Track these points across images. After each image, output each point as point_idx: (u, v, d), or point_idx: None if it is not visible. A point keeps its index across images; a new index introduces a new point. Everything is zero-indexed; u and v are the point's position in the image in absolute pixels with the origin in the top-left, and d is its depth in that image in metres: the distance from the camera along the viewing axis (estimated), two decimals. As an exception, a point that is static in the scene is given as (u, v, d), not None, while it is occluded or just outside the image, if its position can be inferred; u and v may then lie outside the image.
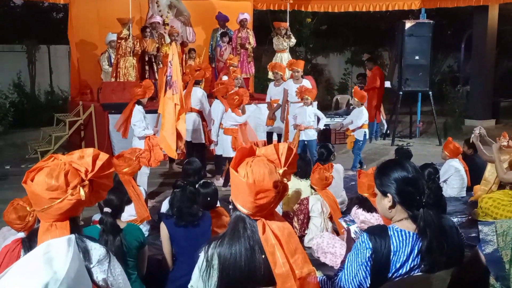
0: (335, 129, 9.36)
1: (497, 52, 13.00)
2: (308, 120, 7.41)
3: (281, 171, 1.96)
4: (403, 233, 2.10)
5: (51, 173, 1.79)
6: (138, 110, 6.19)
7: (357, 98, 7.98)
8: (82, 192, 1.80)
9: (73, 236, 1.25)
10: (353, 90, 8.38)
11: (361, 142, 7.84)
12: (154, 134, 6.28)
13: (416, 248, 2.08)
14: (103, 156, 1.90)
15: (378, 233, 2.12)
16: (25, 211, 3.47)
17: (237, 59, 9.06)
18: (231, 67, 8.71)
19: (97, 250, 1.80)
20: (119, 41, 8.88)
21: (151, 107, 7.40)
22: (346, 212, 5.16)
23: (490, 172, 5.71)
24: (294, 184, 5.31)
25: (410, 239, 2.09)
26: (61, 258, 1.15)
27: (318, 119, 7.84)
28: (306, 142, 7.41)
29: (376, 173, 2.27)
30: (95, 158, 1.87)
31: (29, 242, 1.93)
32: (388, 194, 2.16)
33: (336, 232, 4.87)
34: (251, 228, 1.98)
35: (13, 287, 1.08)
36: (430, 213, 2.10)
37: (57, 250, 1.17)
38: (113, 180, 2.03)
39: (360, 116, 7.84)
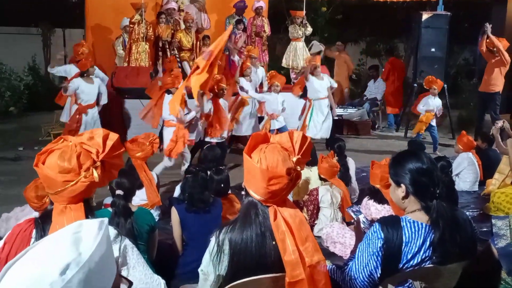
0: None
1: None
2: (279, 107, 7.63)
3: (294, 159, 1.95)
4: (415, 224, 2.09)
5: (63, 155, 1.79)
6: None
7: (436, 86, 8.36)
8: (95, 174, 1.81)
9: (106, 219, 1.25)
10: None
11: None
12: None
13: (428, 239, 2.06)
14: (113, 136, 1.89)
15: (390, 223, 2.11)
16: (45, 191, 3.51)
17: (257, 51, 8.83)
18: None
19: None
20: (131, 26, 8.88)
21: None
22: (357, 204, 5.14)
23: (505, 164, 5.68)
24: (304, 173, 5.30)
25: (423, 231, 2.07)
26: (89, 240, 1.15)
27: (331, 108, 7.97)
28: (277, 131, 7.44)
29: (390, 163, 2.26)
30: (105, 139, 1.87)
31: (42, 223, 1.94)
32: (402, 185, 2.14)
33: (346, 222, 4.86)
34: (262, 214, 1.98)
35: (37, 262, 1.09)
36: (443, 204, 2.08)
37: (87, 231, 1.18)
38: (125, 164, 2.04)
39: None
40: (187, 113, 6.25)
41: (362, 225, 2.82)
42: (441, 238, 2.04)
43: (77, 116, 7.01)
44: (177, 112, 5.86)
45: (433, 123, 8.40)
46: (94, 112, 7.19)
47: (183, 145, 6.07)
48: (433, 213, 2.07)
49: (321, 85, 8.07)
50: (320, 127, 7.99)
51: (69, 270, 1.07)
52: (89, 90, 7.05)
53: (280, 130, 7.40)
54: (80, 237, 1.15)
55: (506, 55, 8.37)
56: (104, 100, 7.51)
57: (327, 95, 8.13)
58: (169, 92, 6.27)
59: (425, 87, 8.51)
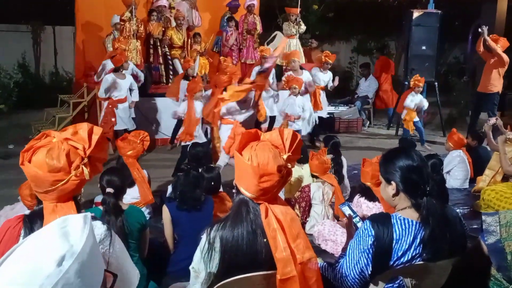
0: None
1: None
2: (298, 110, 7.56)
3: (285, 156, 1.95)
4: (406, 221, 2.10)
5: (50, 153, 1.74)
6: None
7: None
8: (86, 172, 1.78)
9: (88, 213, 1.24)
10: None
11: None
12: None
13: (419, 236, 2.07)
14: (97, 130, 1.85)
15: (381, 220, 2.11)
16: None
17: (269, 50, 8.67)
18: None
19: (98, 229, 1.79)
20: (122, 23, 8.83)
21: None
22: (348, 201, 5.16)
23: (496, 161, 5.72)
24: (296, 171, 5.30)
25: (413, 228, 2.08)
26: (77, 233, 1.14)
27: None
28: None
29: (381, 160, 2.26)
30: (90, 133, 1.83)
31: (30, 222, 1.91)
32: (392, 182, 2.15)
33: (336, 219, 4.88)
34: (254, 211, 1.98)
35: (29, 258, 1.07)
36: (433, 202, 2.09)
37: (73, 225, 1.17)
38: (116, 162, 2.02)
39: None
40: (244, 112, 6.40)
41: (351, 214, 2.81)
42: (431, 235, 2.05)
43: (111, 111, 7.26)
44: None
45: (417, 118, 8.54)
46: (125, 107, 7.43)
47: None
48: (423, 210, 2.08)
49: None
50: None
51: (65, 261, 1.06)
52: (120, 85, 7.28)
53: None
54: (68, 231, 1.14)
55: (504, 55, 8.40)
56: (135, 96, 7.72)
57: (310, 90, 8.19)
58: (226, 89, 6.34)
59: (411, 86, 8.52)
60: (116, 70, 7.36)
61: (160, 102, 8.56)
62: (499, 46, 8.34)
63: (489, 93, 8.69)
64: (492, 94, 8.71)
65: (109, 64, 7.74)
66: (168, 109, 8.09)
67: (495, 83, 8.65)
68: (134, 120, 7.81)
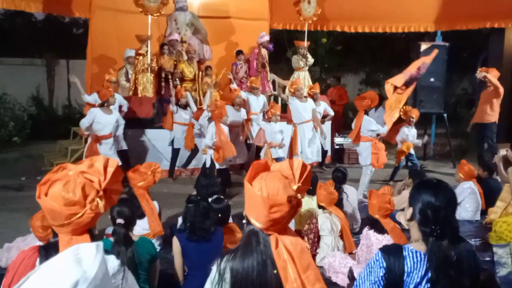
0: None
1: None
2: (279, 137, 7.83)
3: (295, 187, 1.97)
4: (418, 254, 2.08)
5: (66, 187, 1.75)
6: (368, 119, 7.28)
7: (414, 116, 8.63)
8: (101, 205, 1.78)
9: (101, 242, 1.27)
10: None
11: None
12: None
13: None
14: (113, 163, 1.87)
15: (393, 252, 2.10)
16: None
17: (259, 81, 9.12)
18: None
19: (111, 262, 1.80)
20: (137, 57, 9.01)
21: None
22: (358, 233, 5.13)
23: (507, 193, 5.67)
24: (307, 203, 5.30)
25: (425, 261, 2.06)
26: (90, 260, 1.16)
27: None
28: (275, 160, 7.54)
29: (414, 184, 2.27)
30: (105, 166, 1.84)
31: (46, 253, 1.93)
32: (411, 208, 2.16)
33: (348, 252, 4.84)
34: (264, 242, 1.98)
35: (44, 283, 1.10)
36: (441, 244, 2.05)
37: (86, 253, 1.19)
38: (127, 193, 2.04)
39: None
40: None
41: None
42: (435, 275, 2.03)
43: (93, 147, 6.92)
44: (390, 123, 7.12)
45: (412, 151, 8.48)
46: (109, 143, 7.07)
47: (385, 155, 7.22)
48: (427, 249, 2.07)
49: (304, 107, 8.26)
50: (309, 150, 8.09)
51: (79, 286, 1.08)
52: (106, 120, 6.98)
53: (278, 160, 7.47)
54: (81, 258, 1.17)
55: (500, 86, 8.48)
56: (120, 131, 7.53)
57: (312, 118, 8.30)
58: (366, 112, 7.31)
59: (402, 117, 8.47)
60: (102, 104, 7.05)
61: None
62: (491, 76, 8.54)
63: (486, 123, 8.75)
64: (490, 124, 8.77)
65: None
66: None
67: (492, 113, 8.71)
68: (126, 152, 7.66)
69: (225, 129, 7.24)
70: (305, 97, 8.55)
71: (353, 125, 7.26)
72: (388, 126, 7.17)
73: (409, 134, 8.40)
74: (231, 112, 7.89)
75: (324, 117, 9.08)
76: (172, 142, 8.20)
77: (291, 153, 8.24)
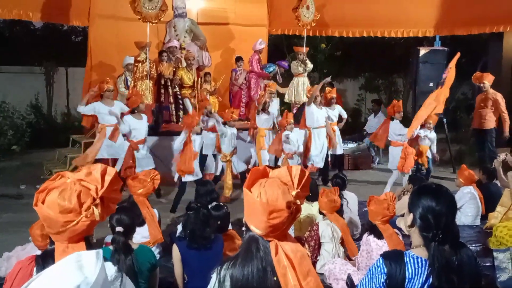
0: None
1: (512, 80, 12.94)
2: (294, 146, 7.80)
3: (294, 193, 1.96)
4: (419, 260, 2.07)
5: (62, 194, 1.74)
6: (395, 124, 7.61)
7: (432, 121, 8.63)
8: (96, 213, 1.77)
9: (100, 250, 1.28)
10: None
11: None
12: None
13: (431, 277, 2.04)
14: (111, 171, 1.85)
15: (394, 258, 2.10)
16: None
17: (275, 86, 9.22)
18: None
19: (109, 269, 1.79)
20: (136, 64, 9.01)
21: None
22: (359, 239, 5.11)
23: (507, 197, 5.67)
24: (306, 209, 5.29)
25: (426, 267, 2.05)
26: (91, 266, 1.19)
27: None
28: None
29: (413, 190, 2.26)
30: (103, 174, 1.83)
31: (43, 262, 1.92)
32: (411, 214, 2.15)
33: (348, 258, 4.82)
34: (264, 249, 1.97)
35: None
36: (443, 248, 2.05)
37: (87, 259, 1.21)
38: (127, 201, 2.03)
39: None
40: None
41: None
42: (437, 281, 2.02)
43: (130, 153, 7.08)
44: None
45: (429, 154, 8.49)
46: (145, 147, 7.29)
47: (413, 159, 7.40)
48: (429, 255, 2.06)
49: (320, 113, 8.28)
50: (320, 156, 8.22)
51: None
52: (139, 126, 7.15)
53: None
54: (82, 264, 1.18)
55: (498, 96, 8.58)
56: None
57: (325, 124, 8.39)
58: (392, 119, 7.66)
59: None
60: (133, 111, 7.20)
61: (170, 140, 8.64)
62: (487, 81, 8.66)
63: (485, 129, 8.86)
64: (489, 130, 8.87)
65: (103, 107, 7.60)
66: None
67: (490, 118, 8.84)
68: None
69: (197, 140, 6.86)
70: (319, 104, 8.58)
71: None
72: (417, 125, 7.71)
73: (427, 137, 8.39)
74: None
75: (340, 120, 9.13)
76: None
77: (305, 156, 8.28)
